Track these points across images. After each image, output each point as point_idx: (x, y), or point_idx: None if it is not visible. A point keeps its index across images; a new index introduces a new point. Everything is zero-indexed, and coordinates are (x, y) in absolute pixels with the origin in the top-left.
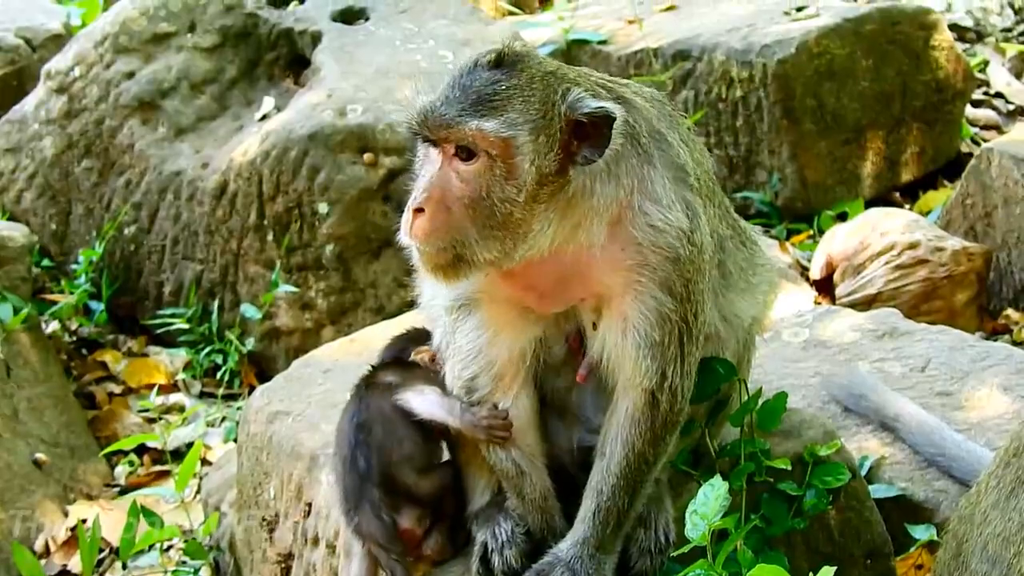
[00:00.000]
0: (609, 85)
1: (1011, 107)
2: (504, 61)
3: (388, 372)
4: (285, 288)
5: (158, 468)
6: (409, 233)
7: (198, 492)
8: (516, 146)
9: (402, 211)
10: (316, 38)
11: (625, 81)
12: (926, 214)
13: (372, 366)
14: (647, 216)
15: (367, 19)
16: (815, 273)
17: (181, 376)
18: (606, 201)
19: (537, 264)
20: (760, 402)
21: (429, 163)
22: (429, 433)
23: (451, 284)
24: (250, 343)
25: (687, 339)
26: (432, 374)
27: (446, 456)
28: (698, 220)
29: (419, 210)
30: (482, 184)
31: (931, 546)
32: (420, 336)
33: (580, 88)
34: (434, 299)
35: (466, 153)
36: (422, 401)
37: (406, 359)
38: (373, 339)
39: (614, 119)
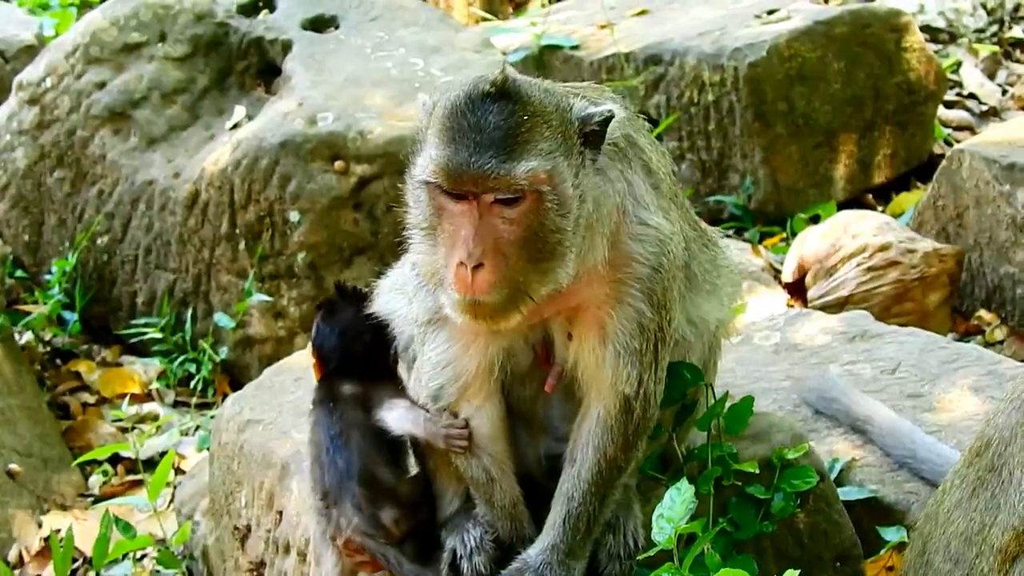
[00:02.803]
0: (580, 92)
1: (984, 108)
2: (508, 90)
3: (349, 384)
4: (259, 297)
5: (132, 477)
6: (470, 290)
7: (171, 501)
8: (559, 174)
9: (373, 219)
10: (287, 47)
11: (584, 84)
12: (899, 216)
13: (326, 376)
14: (642, 224)
15: (337, 27)
16: (787, 276)
17: (155, 385)
18: (607, 209)
19: None
20: (727, 406)
21: (461, 215)
22: (400, 442)
23: (501, 327)
24: (223, 352)
25: (661, 345)
26: (390, 377)
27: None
28: (674, 227)
29: (478, 267)
30: (534, 222)
31: (901, 548)
32: (334, 307)
33: (576, 98)
34: (396, 314)
35: (512, 196)
36: (393, 416)
37: (355, 358)
38: None
39: (612, 117)
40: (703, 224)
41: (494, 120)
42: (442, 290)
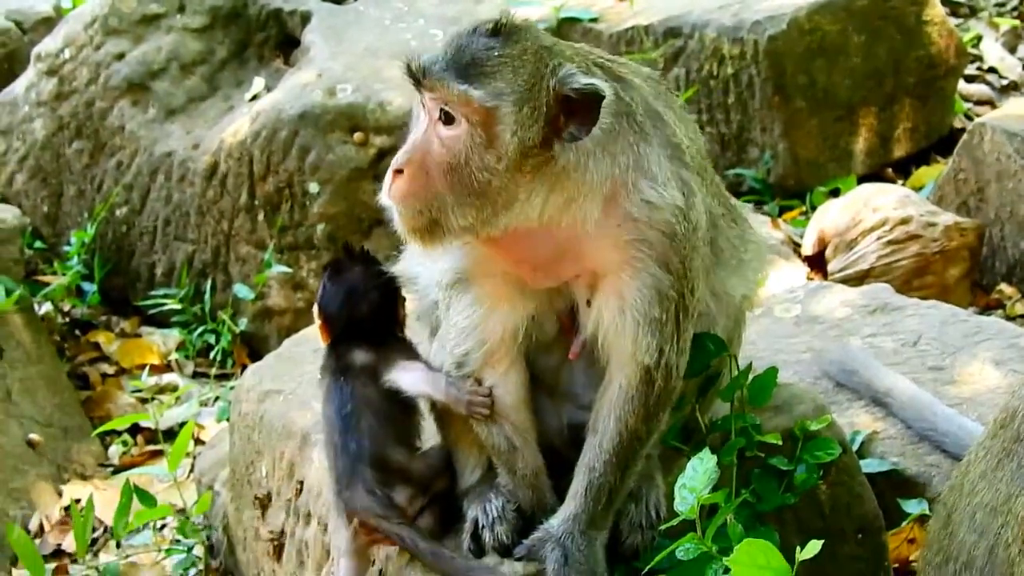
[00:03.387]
0: (607, 64)
1: (1004, 82)
2: (502, 30)
3: (359, 351)
4: (278, 268)
5: (151, 448)
6: (388, 193)
7: (191, 471)
8: (498, 116)
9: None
10: (306, 18)
11: (623, 60)
12: (919, 190)
13: (336, 341)
14: (641, 193)
15: None
16: (807, 249)
17: (174, 356)
18: (600, 177)
19: (530, 236)
20: (750, 377)
21: (418, 126)
22: (415, 411)
23: (429, 249)
24: (243, 323)
25: (683, 316)
26: (403, 341)
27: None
28: (694, 198)
29: (399, 171)
30: (461, 151)
31: (923, 520)
32: (341, 267)
33: (573, 65)
34: (420, 277)
35: (448, 118)
36: (410, 378)
37: (362, 320)
38: None
39: (603, 97)
40: (733, 200)
41: (472, 48)
42: None
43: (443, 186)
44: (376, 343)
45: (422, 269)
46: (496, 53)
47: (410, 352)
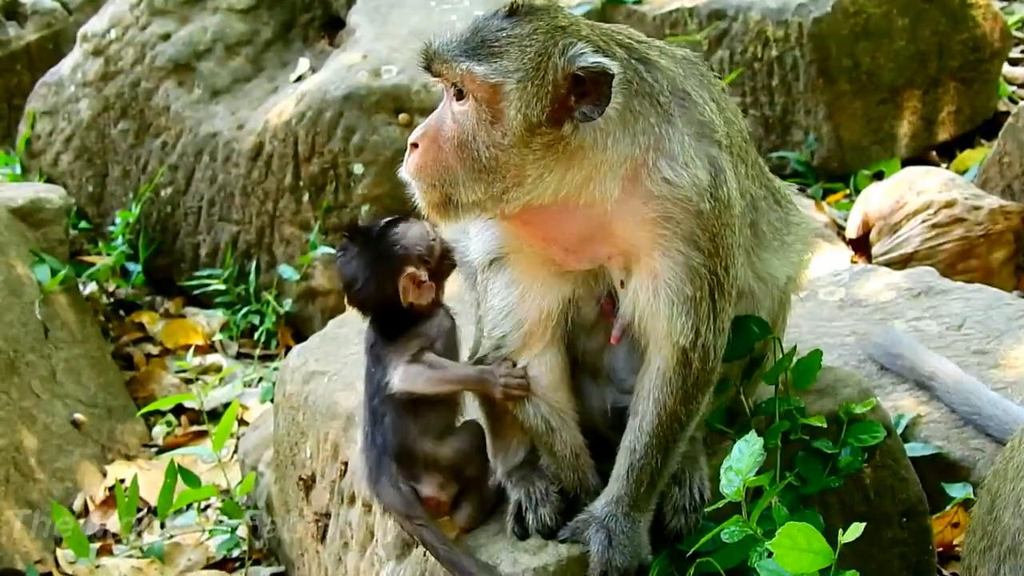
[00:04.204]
0: (633, 45)
1: None
2: (517, 11)
3: (378, 341)
4: (323, 250)
5: (195, 428)
6: (406, 166)
7: (235, 452)
8: (502, 93)
9: None
10: None
11: (657, 43)
12: (963, 173)
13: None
14: (660, 171)
15: None
16: (851, 232)
17: (218, 337)
18: (619, 157)
19: (553, 214)
20: (795, 360)
21: (438, 106)
22: (444, 400)
23: (447, 223)
24: (287, 304)
25: (719, 295)
26: (409, 332)
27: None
28: (723, 175)
29: (415, 145)
30: (469, 126)
31: (967, 504)
32: (345, 249)
33: (585, 44)
34: (467, 255)
35: (459, 94)
36: (407, 380)
37: (377, 312)
38: None
39: (612, 76)
40: (777, 182)
41: (485, 28)
42: None
43: (454, 160)
44: (389, 334)
45: (461, 246)
46: (505, 33)
47: (414, 343)
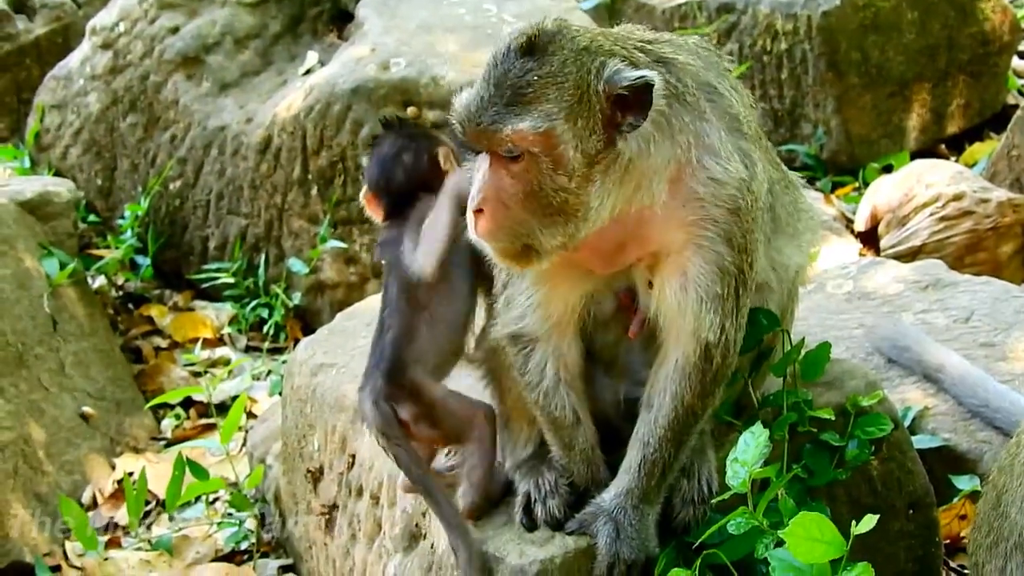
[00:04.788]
0: (649, 47)
1: None
2: (536, 46)
3: (397, 234)
4: (333, 243)
5: (204, 421)
6: (475, 232)
7: (244, 445)
8: (555, 137)
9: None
10: None
11: (667, 37)
12: (972, 166)
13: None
14: (707, 170)
15: None
16: (860, 225)
17: (227, 330)
18: (663, 160)
19: (599, 231)
20: (803, 352)
21: (481, 160)
22: (454, 331)
23: (528, 270)
24: (295, 297)
25: (742, 291)
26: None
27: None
28: (755, 168)
29: (479, 211)
30: (532, 179)
31: (974, 496)
32: (378, 139)
33: (616, 59)
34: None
35: (509, 153)
36: (436, 234)
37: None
38: None
39: (653, 85)
40: (784, 167)
41: (511, 78)
42: None
43: (525, 214)
44: (401, 213)
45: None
46: (535, 76)
47: (418, 213)
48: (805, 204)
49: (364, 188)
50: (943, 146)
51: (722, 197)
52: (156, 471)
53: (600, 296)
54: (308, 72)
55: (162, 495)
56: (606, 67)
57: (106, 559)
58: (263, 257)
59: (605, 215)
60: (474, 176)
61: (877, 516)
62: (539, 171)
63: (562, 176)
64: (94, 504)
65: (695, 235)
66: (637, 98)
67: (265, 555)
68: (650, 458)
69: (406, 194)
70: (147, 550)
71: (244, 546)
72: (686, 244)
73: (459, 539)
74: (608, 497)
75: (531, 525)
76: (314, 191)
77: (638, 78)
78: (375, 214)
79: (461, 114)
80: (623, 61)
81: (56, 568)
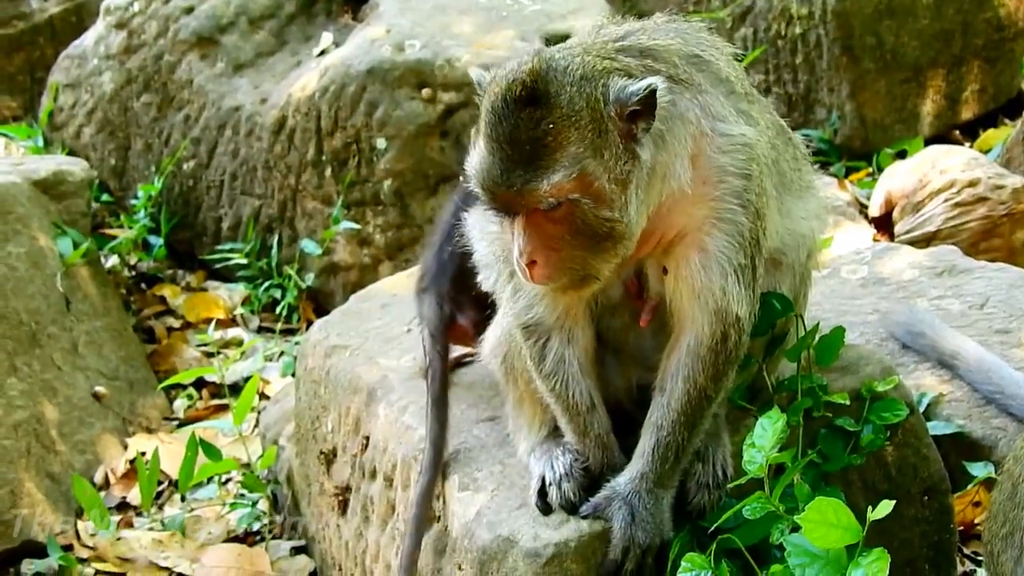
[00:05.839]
0: (627, 43)
1: None
2: (537, 92)
3: None
4: (346, 224)
5: (216, 402)
6: (532, 280)
7: (256, 426)
8: (590, 175)
9: (460, 147)
10: None
11: (637, 26)
12: (986, 152)
13: None
14: (723, 136)
15: None
16: (874, 211)
17: (239, 311)
18: (680, 142)
19: None
20: (817, 337)
21: (514, 216)
22: None
23: (585, 295)
24: (309, 278)
25: (759, 259)
26: None
27: None
28: (758, 128)
29: (532, 262)
30: (575, 221)
31: (989, 483)
32: None
33: (614, 76)
34: (489, 249)
35: (550, 206)
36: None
37: None
38: None
39: (654, 90)
40: (776, 115)
41: (523, 132)
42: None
43: (576, 251)
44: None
45: (479, 241)
46: (549, 124)
47: None
48: (804, 158)
49: None
50: (957, 132)
51: (739, 163)
52: (169, 451)
53: (608, 284)
54: (323, 53)
55: (174, 475)
56: (610, 88)
57: (118, 539)
58: (276, 238)
59: (644, 220)
60: (509, 230)
61: (893, 502)
62: (582, 211)
63: (604, 209)
64: (106, 484)
65: (716, 209)
66: (645, 105)
67: (277, 536)
68: (664, 442)
69: None
70: (159, 530)
71: (256, 527)
72: (706, 219)
73: (429, 467)
74: (623, 481)
75: (545, 509)
76: (328, 172)
77: (645, 88)
78: None
79: (487, 181)
80: (620, 75)
81: (68, 547)
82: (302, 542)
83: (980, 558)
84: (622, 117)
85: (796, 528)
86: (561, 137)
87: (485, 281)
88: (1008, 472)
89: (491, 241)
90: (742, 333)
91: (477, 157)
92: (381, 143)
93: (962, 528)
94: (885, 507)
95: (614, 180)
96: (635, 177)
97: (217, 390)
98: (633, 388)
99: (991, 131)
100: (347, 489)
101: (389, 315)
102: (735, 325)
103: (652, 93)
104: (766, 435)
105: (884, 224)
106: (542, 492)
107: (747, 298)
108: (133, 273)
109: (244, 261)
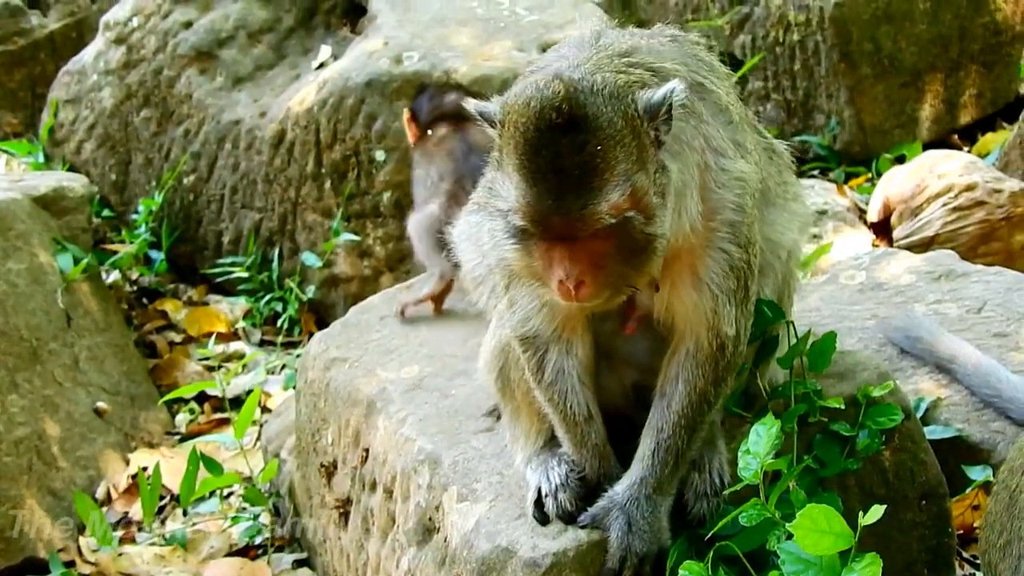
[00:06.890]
0: (636, 59)
1: None
2: (575, 116)
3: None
4: (347, 236)
5: (218, 416)
6: (573, 300)
7: (258, 439)
8: (639, 189)
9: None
10: None
11: (641, 45)
12: (984, 156)
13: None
14: (724, 172)
15: None
16: (873, 216)
17: (241, 324)
18: (690, 169)
19: None
20: (809, 343)
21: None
22: None
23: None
24: (310, 291)
25: (751, 281)
26: None
27: None
28: (751, 158)
29: (581, 282)
30: (625, 237)
31: (987, 487)
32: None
33: (636, 87)
34: (481, 263)
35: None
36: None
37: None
38: None
39: (675, 89)
40: (764, 131)
41: (566, 159)
42: (542, 286)
43: (619, 266)
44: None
45: (471, 254)
46: (596, 146)
47: None
48: (789, 172)
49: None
50: (956, 136)
51: (734, 198)
52: (170, 466)
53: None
54: (321, 66)
55: (176, 490)
56: (638, 100)
57: (120, 554)
58: (277, 251)
59: (669, 233)
60: (544, 256)
61: (884, 507)
62: (631, 228)
63: (653, 225)
64: (108, 499)
65: (709, 239)
66: (668, 109)
67: (279, 549)
68: (664, 445)
69: None
70: (161, 545)
71: (258, 540)
72: (699, 245)
73: None
74: (620, 489)
75: (542, 519)
76: (328, 184)
77: (667, 94)
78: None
79: (538, 213)
80: (638, 86)
81: (70, 563)
82: (304, 555)
83: (979, 562)
84: (654, 128)
85: (791, 535)
86: (609, 157)
87: (476, 295)
88: (1004, 483)
89: (484, 254)
90: (739, 344)
91: (517, 192)
92: (380, 155)
93: (961, 532)
94: (875, 512)
95: (656, 193)
96: (669, 190)
97: (219, 404)
98: (628, 389)
99: (989, 135)
100: (347, 501)
101: (388, 327)
102: (730, 339)
103: (671, 93)
104: (761, 441)
105: (883, 229)
106: (539, 503)
107: (739, 318)
108: (134, 288)
109: (245, 274)
